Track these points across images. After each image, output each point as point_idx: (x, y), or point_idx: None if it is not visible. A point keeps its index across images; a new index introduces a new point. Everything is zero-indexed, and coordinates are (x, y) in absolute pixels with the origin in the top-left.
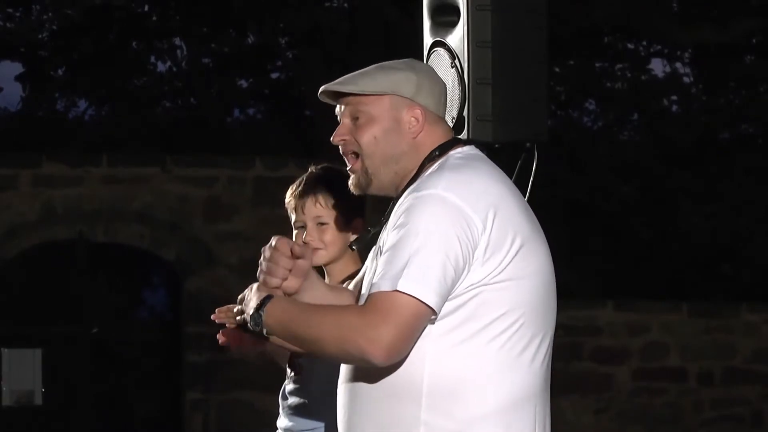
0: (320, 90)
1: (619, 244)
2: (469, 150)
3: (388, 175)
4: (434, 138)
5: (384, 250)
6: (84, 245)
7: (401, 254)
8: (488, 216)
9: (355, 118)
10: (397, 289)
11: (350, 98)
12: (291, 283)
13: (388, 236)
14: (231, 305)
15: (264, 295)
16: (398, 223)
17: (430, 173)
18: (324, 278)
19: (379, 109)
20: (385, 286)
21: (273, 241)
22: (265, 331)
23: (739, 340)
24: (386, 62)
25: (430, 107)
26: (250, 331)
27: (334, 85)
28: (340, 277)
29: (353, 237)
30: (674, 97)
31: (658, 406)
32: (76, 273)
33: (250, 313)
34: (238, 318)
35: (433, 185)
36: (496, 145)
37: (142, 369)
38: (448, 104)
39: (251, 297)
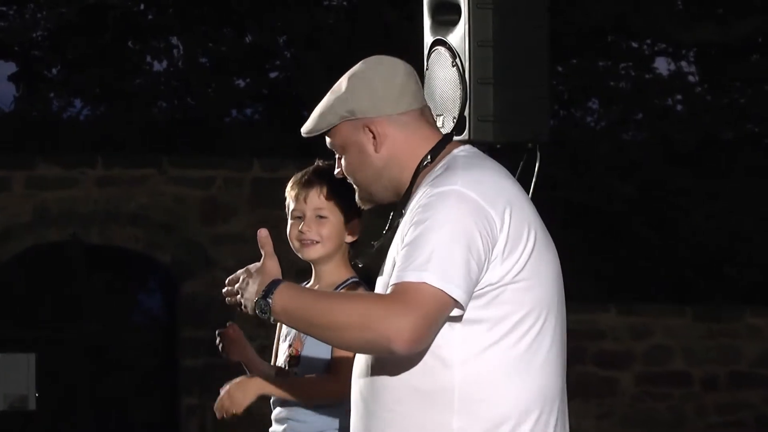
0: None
1: (622, 246)
2: (470, 148)
3: (380, 190)
4: (413, 140)
5: (404, 245)
6: (78, 248)
7: (425, 247)
8: (505, 213)
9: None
10: (424, 281)
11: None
12: None
13: (406, 233)
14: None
15: (268, 280)
16: (416, 219)
17: (441, 173)
18: (312, 279)
19: (342, 139)
20: (411, 277)
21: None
22: (272, 319)
23: (744, 344)
24: (340, 80)
25: (385, 112)
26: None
27: (303, 129)
28: (329, 281)
29: (349, 238)
30: (678, 97)
31: (661, 411)
32: (71, 276)
33: (254, 299)
34: (229, 300)
35: (451, 182)
36: (498, 146)
37: (137, 374)
38: (450, 104)
39: (250, 282)
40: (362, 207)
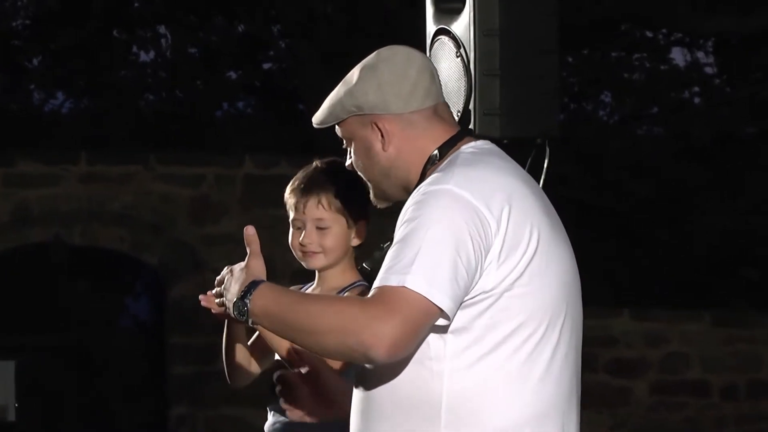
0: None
1: (635, 247)
2: (482, 144)
3: (390, 188)
4: (420, 140)
5: (392, 244)
6: (61, 249)
7: (410, 249)
8: (503, 215)
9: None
10: (405, 285)
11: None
12: None
13: (396, 232)
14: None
15: (249, 280)
16: (407, 217)
17: (440, 169)
18: (315, 282)
19: (350, 133)
20: (393, 281)
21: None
22: (250, 321)
23: (766, 351)
24: (353, 69)
25: (393, 110)
26: (232, 318)
27: (313, 120)
28: (333, 284)
29: (356, 241)
30: (696, 89)
31: (677, 422)
32: (53, 279)
33: (233, 300)
34: (216, 301)
35: (444, 180)
36: (504, 141)
37: (124, 382)
38: (454, 97)
39: (232, 282)
40: (377, 205)
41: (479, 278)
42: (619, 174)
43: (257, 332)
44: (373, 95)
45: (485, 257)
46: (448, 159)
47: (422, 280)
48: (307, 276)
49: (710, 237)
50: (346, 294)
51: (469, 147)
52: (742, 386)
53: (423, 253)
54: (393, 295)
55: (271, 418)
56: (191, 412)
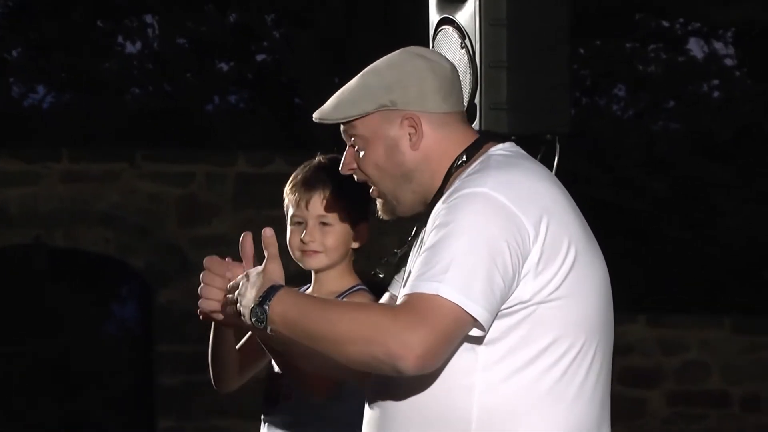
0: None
1: (652, 249)
2: (510, 146)
3: (407, 195)
4: (449, 142)
5: (423, 249)
6: (42, 252)
7: (443, 255)
8: (541, 222)
9: (353, 145)
10: (439, 294)
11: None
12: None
13: (427, 237)
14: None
15: (267, 285)
16: (439, 221)
17: (472, 173)
18: (311, 285)
19: (370, 130)
20: (425, 288)
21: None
22: (269, 329)
23: None
24: (373, 64)
25: (429, 108)
26: (245, 325)
27: (318, 114)
28: (331, 288)
29: (356, 244)
30: (715, 82)
31: None
32: (34, 283)
33: (251, 306)
34: (228, 308)
35: (480, 183)
36: (512, 138)
37: (109, 392)
38: None
39: (248, 287)
40: (384, 218)
41: (516, 287)
42: (634, 171)
43: (247, 335)
44: (413, 89)
45: (522, 265)
46: (479, 161)
47: (456, 289)
48: (303, 280)
49: (730, 238)
50: (344, 299)
51: (498, 150)
52: (764, 396)
53: (458, 259)
54: (425, 303)
55: (265, 430)
56: (180, 424)
